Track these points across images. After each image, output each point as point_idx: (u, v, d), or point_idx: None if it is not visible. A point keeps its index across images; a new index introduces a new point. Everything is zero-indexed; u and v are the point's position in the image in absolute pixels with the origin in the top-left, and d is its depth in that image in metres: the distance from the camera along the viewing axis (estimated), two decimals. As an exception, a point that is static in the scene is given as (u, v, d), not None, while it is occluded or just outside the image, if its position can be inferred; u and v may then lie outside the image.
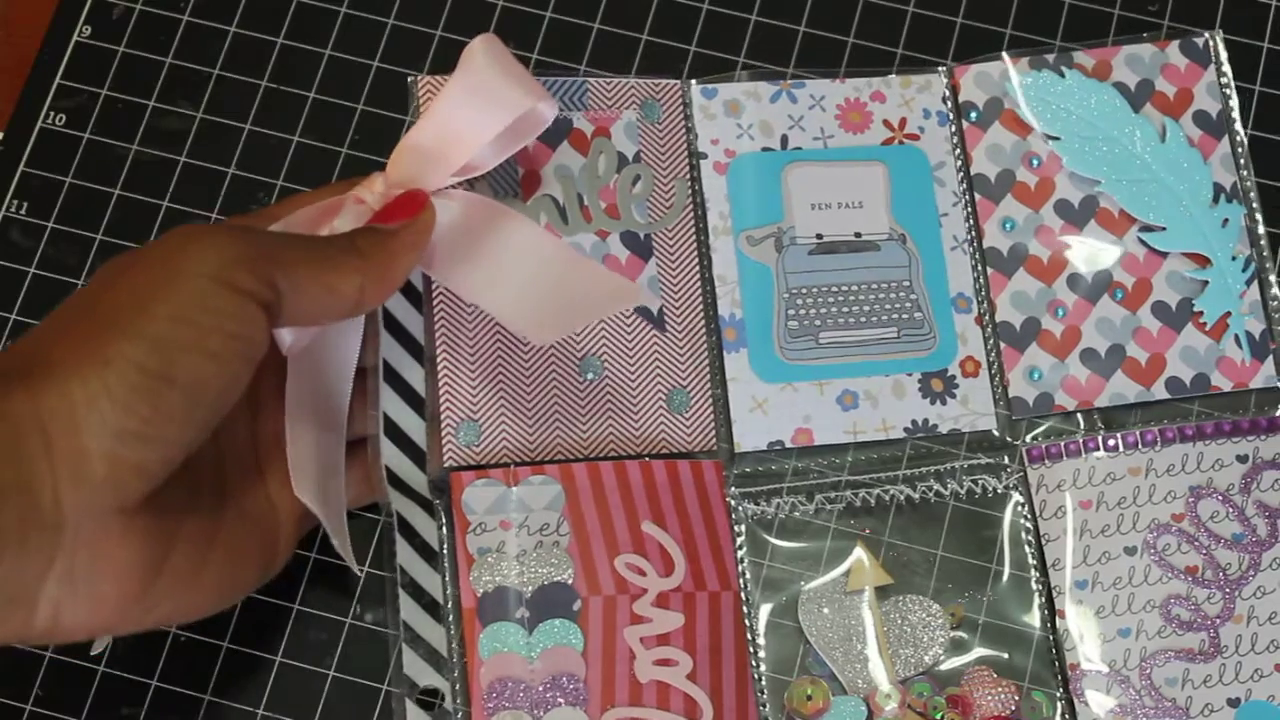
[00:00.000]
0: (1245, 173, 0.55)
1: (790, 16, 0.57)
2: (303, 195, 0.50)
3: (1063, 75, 0.55)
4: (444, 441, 0.50)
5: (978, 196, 0.55)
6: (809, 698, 0.50)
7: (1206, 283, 0.54)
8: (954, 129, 0.55)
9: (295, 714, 0.50)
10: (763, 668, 0.50)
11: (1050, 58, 0.56)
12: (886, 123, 0.55)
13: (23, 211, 0.54)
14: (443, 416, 0.50)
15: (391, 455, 0.49)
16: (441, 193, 0.48)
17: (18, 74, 0.55)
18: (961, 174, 0.55)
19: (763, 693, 0.50)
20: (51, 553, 0.38)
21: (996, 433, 0.53)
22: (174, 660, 0.50)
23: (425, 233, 0.46)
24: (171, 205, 0.54)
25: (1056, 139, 0.55)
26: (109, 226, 0.54)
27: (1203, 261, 0.54)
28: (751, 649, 0.50)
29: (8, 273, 0.54)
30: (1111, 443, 0.52)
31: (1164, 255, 0.54)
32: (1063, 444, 0.52)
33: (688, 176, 0.54)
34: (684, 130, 0.54)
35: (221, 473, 0.46)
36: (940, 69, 0.56)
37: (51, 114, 0.55)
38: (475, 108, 0.47)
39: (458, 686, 0.49)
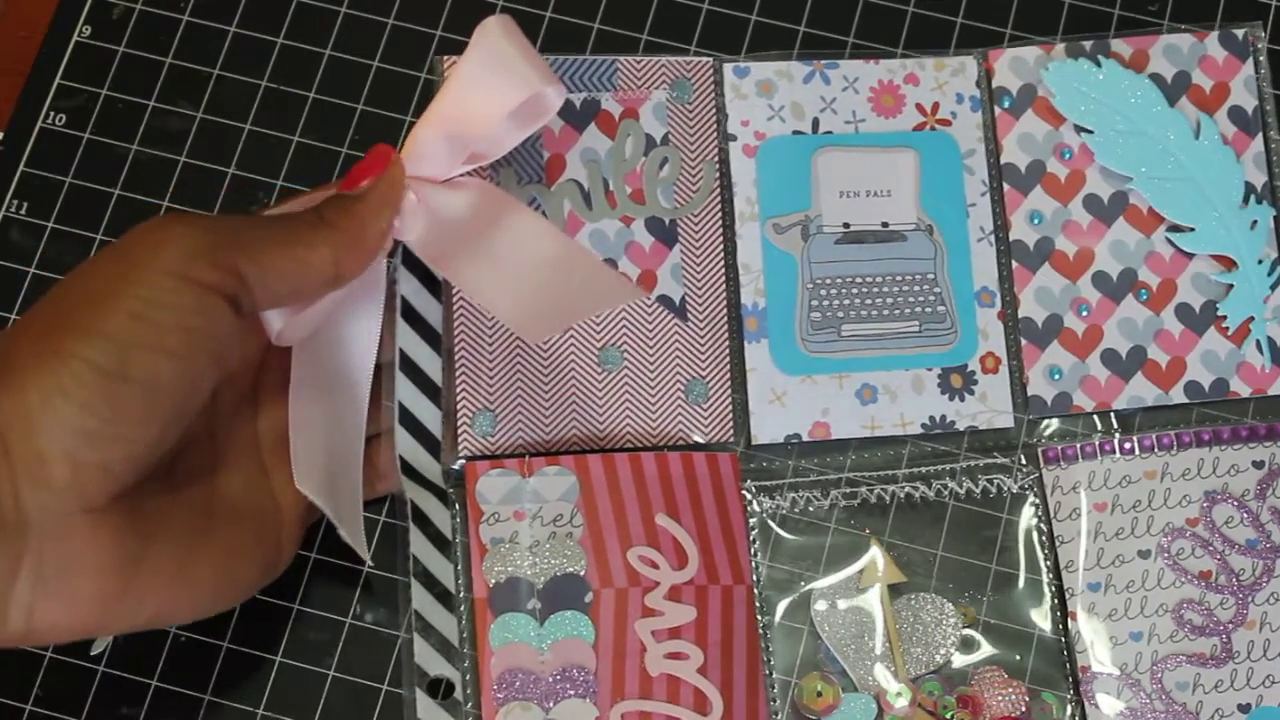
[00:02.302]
0: (1278, 170, 0.54)
1: (790, 16, 0.56)
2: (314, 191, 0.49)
3: (1099, 65, 0.54)
4: (459, 431, 0.49)
5: (1006, 187, 0.54)
6: (819, 694, 0.49)
7: (1231, 286, 0.53)
8: (986, 115, 0.54)
9: (295, 714, 0.50)
10: (774, 663, 0.50)
11: (1087, 45, 0.54)
12: (919, 107, 0.54)
13: (23, 211, 0.54)
14: (459, 406, 0.50)
15: (406, 444, 0.48)
16: (454, 181, 0.47)
17: (18, 74, 0.55)
18: (991, 162, 0.54)
19: (773, 688, 0.50)
20: (17, 554, 0.38)
21: (1014, 431, 0.53)
22: (174, 660, 0.50)
23: (395, 188, 0.45)
24: (171, 205, 0.54)
25: (1089, 132, 0.54)
26: (109, 226, 0.53)
27: (1229, 264, 0.54)
28: (763, 644, 0.50)
29: (8, 273, 0.53)
30: (1128, 445, 0.52)
31: (1190, 256, 0.54)
32: (1079, 446, 0.52)
33: (716, 159, 0.53)
34: (714, 111, 0.53)
35: (214, 471, 0.45)
36: (974, 52, 0.55)
37: (51, 114, 0.55)
38: (489, 84, 0.46)
39: (468, 677, 0.48)
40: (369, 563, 0.48)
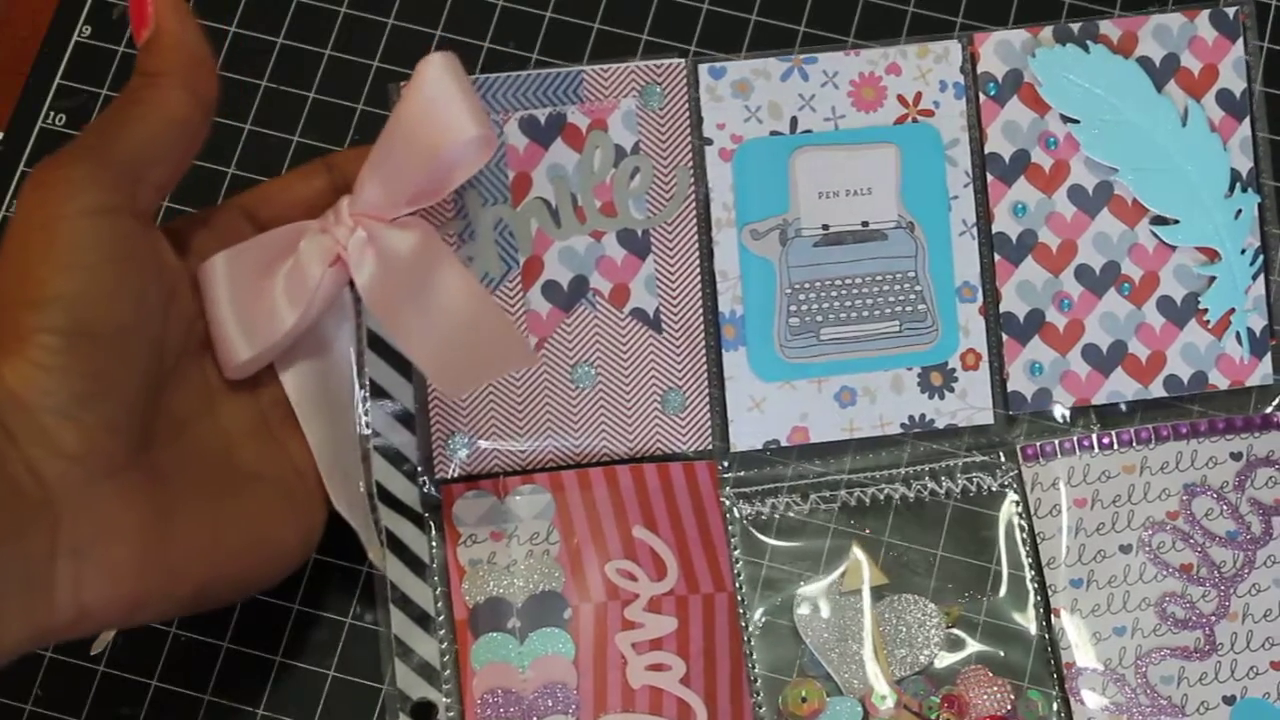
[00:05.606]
0: (1261, 152, 0.53)
1: (790, 16, 0.55)
2: (277, 181, 0.49)
3: (1087, 50, 0.52)
4: (434, 454, 0.49)
5: (990, 177, 0.53)
6: (804, 699, 0.50)
7: (1213, 279, 0.52)
8: (970, 103, 0.52)
9: (295, 714, 0.50)
10: (758, 669, 0.50)
11: (1075, 28, 0.53)
12: (901, 98, 0.52)
13: (23, 211, 0.54)
14: (433, 430, 0.49)
15: (382, 470, 0.48)
16: (400, 221, 0.46)
17: (18, 74, 0.55)
18: (975, 150, 0.53)
19: (758, 694, 0.50)
20: (51, 529, 0.38)
21: (994, 429, 0.52)
22: (174, 660, 0.50)
23: None
24: (171, 205, 0.53)
25: (1075, 122, 0.52)
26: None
27: (1212, 255, 0.53)
28: (746, 650, 0.50)
29: (8, 272, 0.53)
30: (1106, 440, 0.52)
31: (1174, 248, 0.53)
32: (1057, 442, 0.52)
33: (690, 164, 0.51)
34: (687, 114, 0.52)
35: (227, 444, 0.45)
36: (959, 37, 0.53)
37: (51, 114, 0.54)
38: (421, 128, 0.45)
39: (450, 699, 0.48)
40: (381, 568, 0.48)
